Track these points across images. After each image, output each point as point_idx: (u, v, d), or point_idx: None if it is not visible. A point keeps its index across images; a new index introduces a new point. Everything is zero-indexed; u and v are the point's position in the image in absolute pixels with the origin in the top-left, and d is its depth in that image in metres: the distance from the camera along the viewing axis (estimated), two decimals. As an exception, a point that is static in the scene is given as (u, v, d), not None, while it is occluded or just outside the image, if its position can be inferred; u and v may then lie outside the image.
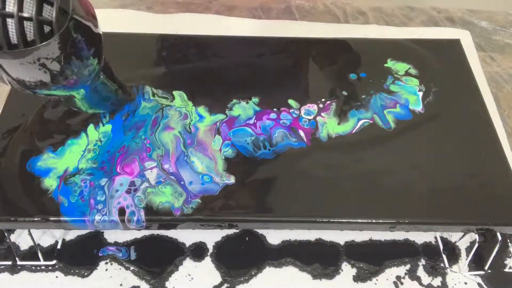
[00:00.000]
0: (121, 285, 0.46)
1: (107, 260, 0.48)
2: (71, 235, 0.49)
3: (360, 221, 0.44)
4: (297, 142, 0.49)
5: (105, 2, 0.75)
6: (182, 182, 0.45)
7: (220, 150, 0.48)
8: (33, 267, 0.47)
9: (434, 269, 0.48)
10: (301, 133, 0.50)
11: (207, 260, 0.48)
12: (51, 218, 0.43)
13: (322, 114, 0.51)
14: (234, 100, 0.52)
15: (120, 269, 0.47)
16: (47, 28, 0.37)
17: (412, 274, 0.48)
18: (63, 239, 0.49)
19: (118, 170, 0.46)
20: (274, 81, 0.54)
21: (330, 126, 0.50)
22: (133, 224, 0.43)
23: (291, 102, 0.52)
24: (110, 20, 0.70)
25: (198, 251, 0.48)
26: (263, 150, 0.48)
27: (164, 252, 0.48)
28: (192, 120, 0.50)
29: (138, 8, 0.74)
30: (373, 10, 0.76)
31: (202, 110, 0.51)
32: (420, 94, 0.54)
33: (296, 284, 0.47)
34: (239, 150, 0.48)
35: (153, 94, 0.52)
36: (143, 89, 0.52)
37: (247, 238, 0.50)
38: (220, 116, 0.50)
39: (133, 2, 0.75)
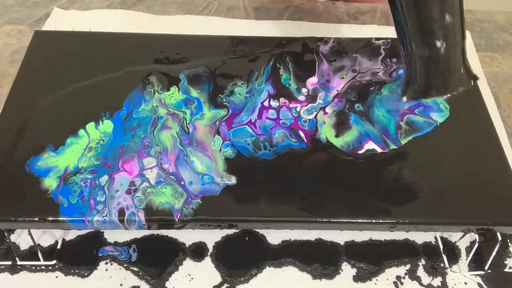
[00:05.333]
0: (121, 285, 0.46)
1: (107, 260, 0.48)
2: (71, 235, 0.49)
3: (360, 221, 0.44)
4: (297, 142, 0.49)
5: (105, 3, 0.75)
6: (182, 182, 0.45)
7: (220, 150, 0.48)
8: (33, 267, 0.47)
9: (434, 269, 0.48)
10: (301, 133, 0.50)
11: (207, 260, 0.48)
12: (50, 219, 0.43)
13: (322, 114, 0.51)
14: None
15: (120, 269, 0.47)
16: None
17: (412, 274, 0.48)
18: (63, 239, 0.49)
19: (119, 166, 0.46)
20: (273, 81, 0.54)
21: (330, 126, 0.50)
22: (133, 225, 0.43)
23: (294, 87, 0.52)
24: (110, 21, 0.71)
25: (198, 251, 0.48)
26: (263, 151, 0.48)
27: (164, 252, 0.48)
28: (192, 117, 0.50)
29: (138, 8, 0.74)
30: (373, 10, 0.76)
31: (202, 106, 0.51)
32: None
33: (296, 284, 0.47)
34: (239, 151, 0.48)
35: (154, 93, 0.52)
36: (143, 88, 0.53)
37: (247, 238, 0.50)
38: (221, 112, 0.51)
39: (133, 2, 0.75)
